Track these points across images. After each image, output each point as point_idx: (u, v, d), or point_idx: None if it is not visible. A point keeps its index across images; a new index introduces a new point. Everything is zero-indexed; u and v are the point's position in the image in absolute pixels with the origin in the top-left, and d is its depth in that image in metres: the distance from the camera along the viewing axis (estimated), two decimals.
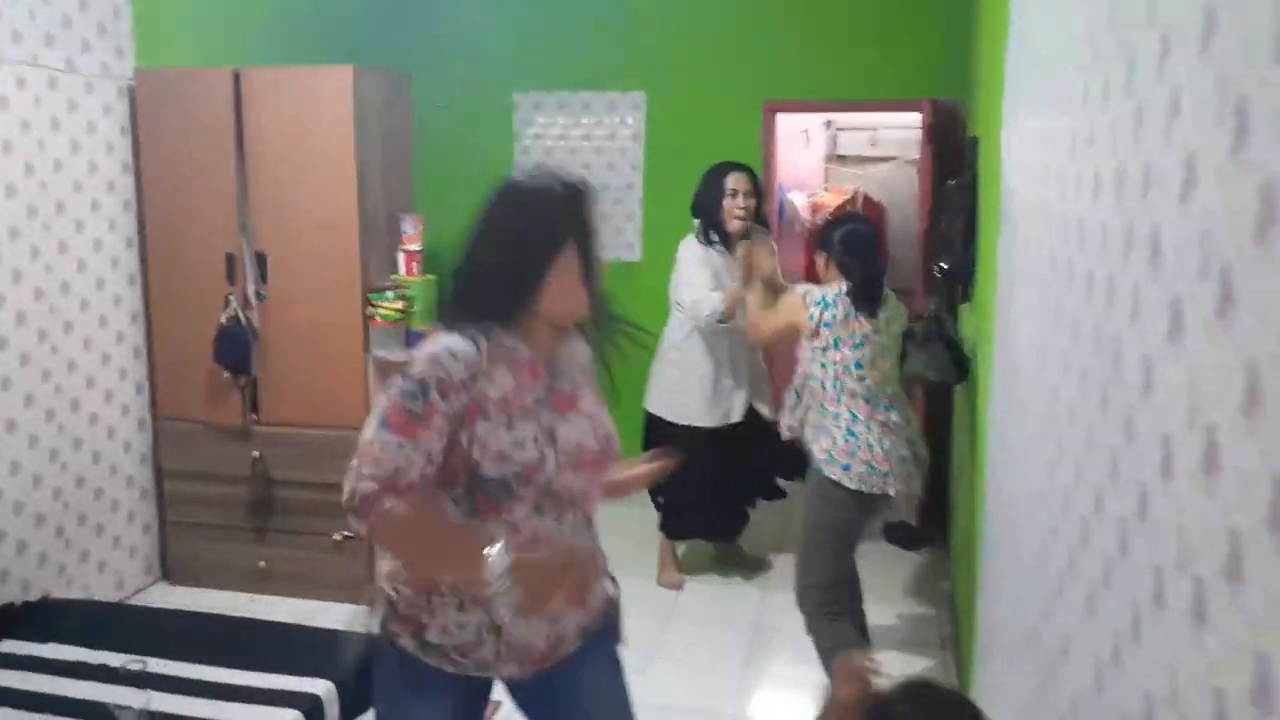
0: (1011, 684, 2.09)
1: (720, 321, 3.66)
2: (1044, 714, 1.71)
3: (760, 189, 3.81)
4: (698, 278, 3.72)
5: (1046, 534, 1.77)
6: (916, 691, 1.44)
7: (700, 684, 3.39)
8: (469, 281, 1.77)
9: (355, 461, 1.67)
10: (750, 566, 4.15)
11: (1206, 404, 0.93)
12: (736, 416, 3.86)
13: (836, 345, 3.02)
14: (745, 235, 3.71)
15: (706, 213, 3.77)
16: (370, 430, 1.68)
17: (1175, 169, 1.04)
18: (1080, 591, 1.46)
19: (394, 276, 3.85)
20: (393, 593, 1.82)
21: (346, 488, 1.66)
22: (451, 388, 1.64)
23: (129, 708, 2.65)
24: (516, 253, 1.71)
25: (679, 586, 4.01)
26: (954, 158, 4.47)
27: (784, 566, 3.86)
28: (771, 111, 5.43)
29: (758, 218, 3.80)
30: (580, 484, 1.78)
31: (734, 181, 3.70)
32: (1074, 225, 1.64)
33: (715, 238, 3.78)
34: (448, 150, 5.69)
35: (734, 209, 3.69)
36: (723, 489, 3.92)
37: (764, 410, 3.96)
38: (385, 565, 1.89)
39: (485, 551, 1.58)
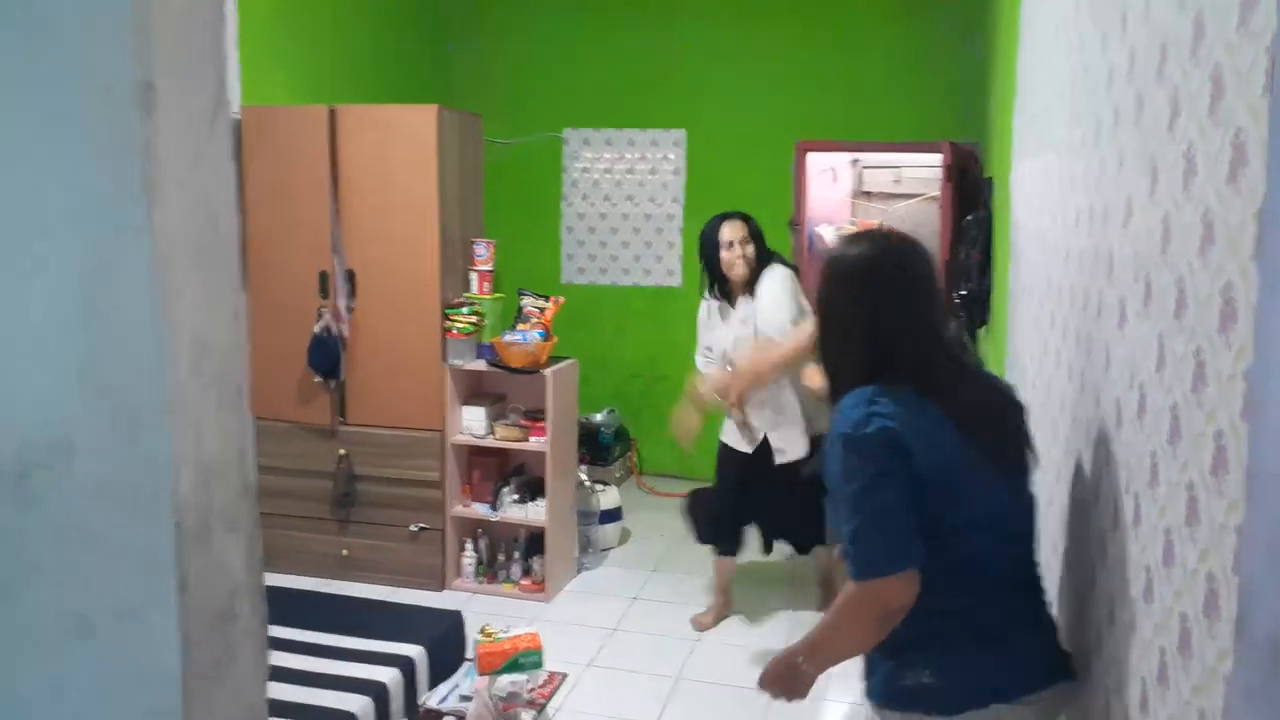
0: None
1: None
2: None
3: (754, 231, 3.73)
4: (700, 332, 3.97)
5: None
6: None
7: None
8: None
9: None
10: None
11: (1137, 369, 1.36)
12: (749, 448, 3.85)
13: None
14: (751, 281, 3.72)
15: (708, 266, 3.79)
16: None
17: (1120, 204, 1.47)
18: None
19: (467, 294, 4.30)
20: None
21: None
22: None
23: None
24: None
25: (702, 628, 3.97)
26: (971, 195, 4.90)
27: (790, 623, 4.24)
28: (803, 150, 5.89)
29: (761, 259, 3.73)
30: None
31: (727, 232, 3.68)
32: (1060, 250, 2.07)
33: (716, 292, 3.84)
34: (500, 182, 6.18)
35: (732, 260, 3.67)
36: (739, 507, 3.95)
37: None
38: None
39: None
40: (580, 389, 6.07)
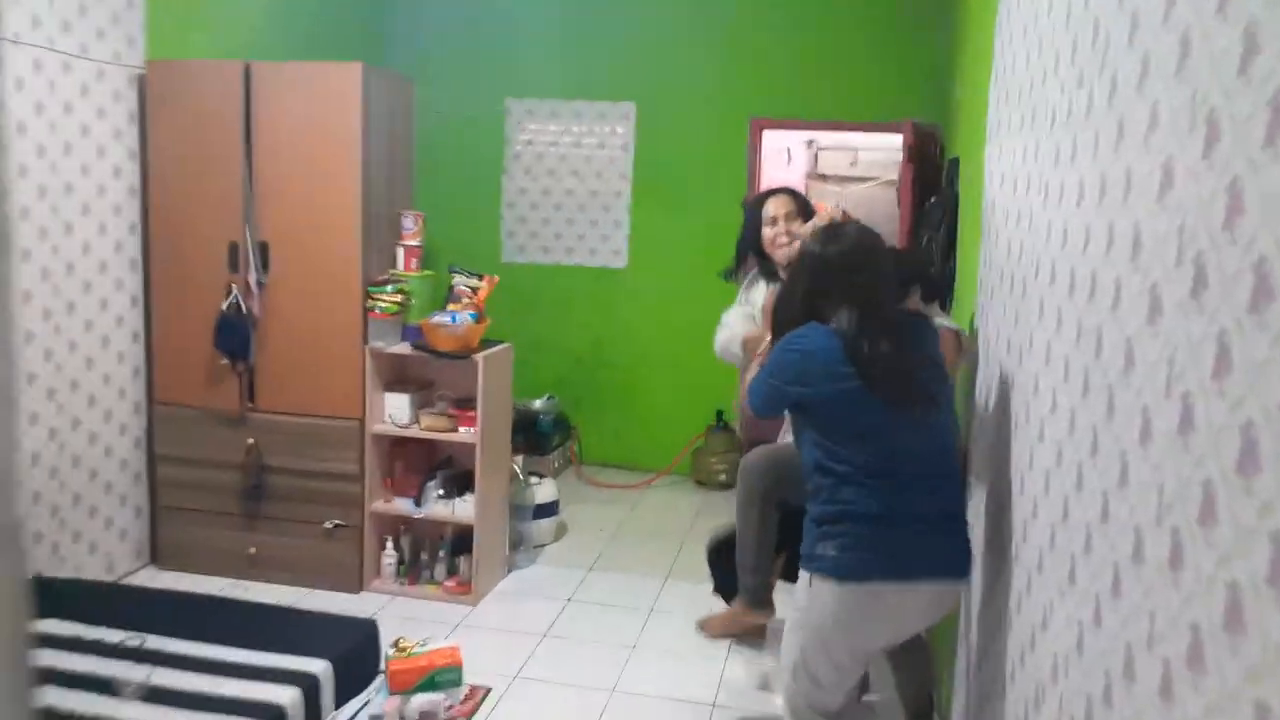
0: (990, 670, 2.24)
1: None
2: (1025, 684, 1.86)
3: (807, 208, 3.15)
4: (730, 317, 3.21)
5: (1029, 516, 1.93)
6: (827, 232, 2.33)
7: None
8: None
9: None
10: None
11: (1182, 372, 1.08)
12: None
13: None
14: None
15: (751, 248, 3.19)
16: None
17: (1151, 172, 1.20)
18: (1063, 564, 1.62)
19: (393, 271, 3.95)
20: None
21: None
22: None
23: (131, 682, 2.70)
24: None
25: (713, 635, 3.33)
26: (932, 178, 4.67)
27: None
28: (759, 127, 5.62)
29: None
30: None
31: (773, 207, 3.13)
32: (1056, 229, 1.80)
33: (747, 275, 3.25)
34: (438, 153, 5.81)
35: (777, 237, 3.08)
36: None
37: None
38: None
39: None
40: (519, 374, 5.74)
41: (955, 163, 3.90)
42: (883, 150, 6.34)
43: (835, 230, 2.35)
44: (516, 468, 4.39)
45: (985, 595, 2.31)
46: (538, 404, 5.59)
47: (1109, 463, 1.35)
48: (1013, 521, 2.06)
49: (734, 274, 3.26)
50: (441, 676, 2.93)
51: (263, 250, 3.88)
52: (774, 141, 6.39)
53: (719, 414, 5.62)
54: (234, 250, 3.87)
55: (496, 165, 5.86)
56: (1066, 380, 1.67)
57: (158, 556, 4.14)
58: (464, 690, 3.04)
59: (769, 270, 3.17)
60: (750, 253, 3.21)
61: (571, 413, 5.84)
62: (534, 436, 5.42)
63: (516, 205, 5.87)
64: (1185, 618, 1.01)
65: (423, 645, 3.00)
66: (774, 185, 3.30)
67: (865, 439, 2.17)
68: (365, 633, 3.21)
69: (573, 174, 5.80)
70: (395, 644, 3.02)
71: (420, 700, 2.83)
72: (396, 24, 5.76)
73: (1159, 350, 1.16)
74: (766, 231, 3.13)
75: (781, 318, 2.34)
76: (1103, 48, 1.55)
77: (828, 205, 3.12)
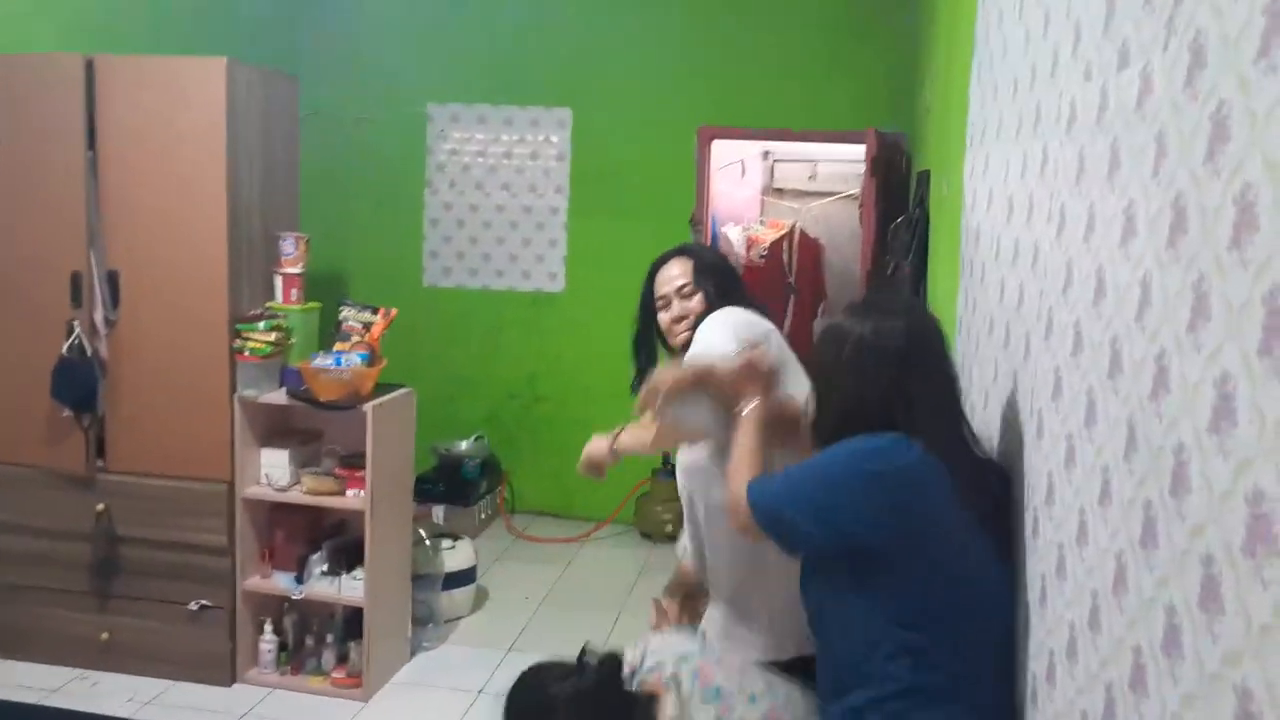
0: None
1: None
2: None
3: (717, 270, 2.18)
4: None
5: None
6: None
7: None
8: None
9: None
10: None
11: None
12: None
13: None
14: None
15: (646, 343, 2.24)
16: None
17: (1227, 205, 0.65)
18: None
19: (269, 304, 3.34)
20: None
21: None
22: None
23: None
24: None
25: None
26: (900, 193, 4.16)
27: None
28: (707, 137, 5.08)
29: (721, 295, 2.12)
30: None
31: (662, 282, 2.17)
32: (1082, 274, 1.25)
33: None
34: (350, 164, 5.21)
35: (672, 323, 2.14)
36: None
37: None
38: None
39: None
40: (444, 411, 5.16)
41: (925, 176, 3.38)
42: (844, 162, 5.83)
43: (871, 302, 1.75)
44: (423, 531, 3.79)
45: None
46: (464, 445, 4.99)
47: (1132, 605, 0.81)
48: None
49: (636, 383, 2.09)
50: None
51: (111, 281, 3.26)
52: (727, 153, 5.86)
53: (665, 458, 5.04)
54: (77, 281, 3.24)
55: (418, 178, 5.26)
56: (1103, 503, 1.12)
57: None
58: None
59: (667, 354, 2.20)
60: (644, 348, 2.22)
61: (503, 454, 5.24)
62: (458, 484, 4.82)
63: (441, 222, 5.28)
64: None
65: None
66: (673, 250, 2.22)
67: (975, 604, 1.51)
68: None
69: (503, 187, 5.22)
70: None
71: None
72: (297, 18, 5.15)
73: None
74: (661, 316, 2.16)
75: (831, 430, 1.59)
76: (1160, 7, 1.01)
77: (742, 339, 1.93)
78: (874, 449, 1.49)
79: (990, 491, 1.58)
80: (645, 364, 2.19)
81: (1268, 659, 0.72)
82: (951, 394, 1.60)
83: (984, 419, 1.88)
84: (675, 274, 2.14)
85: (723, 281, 2.14)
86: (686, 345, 2.06)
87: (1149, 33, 1.05)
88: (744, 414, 1.78)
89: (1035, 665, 1.41)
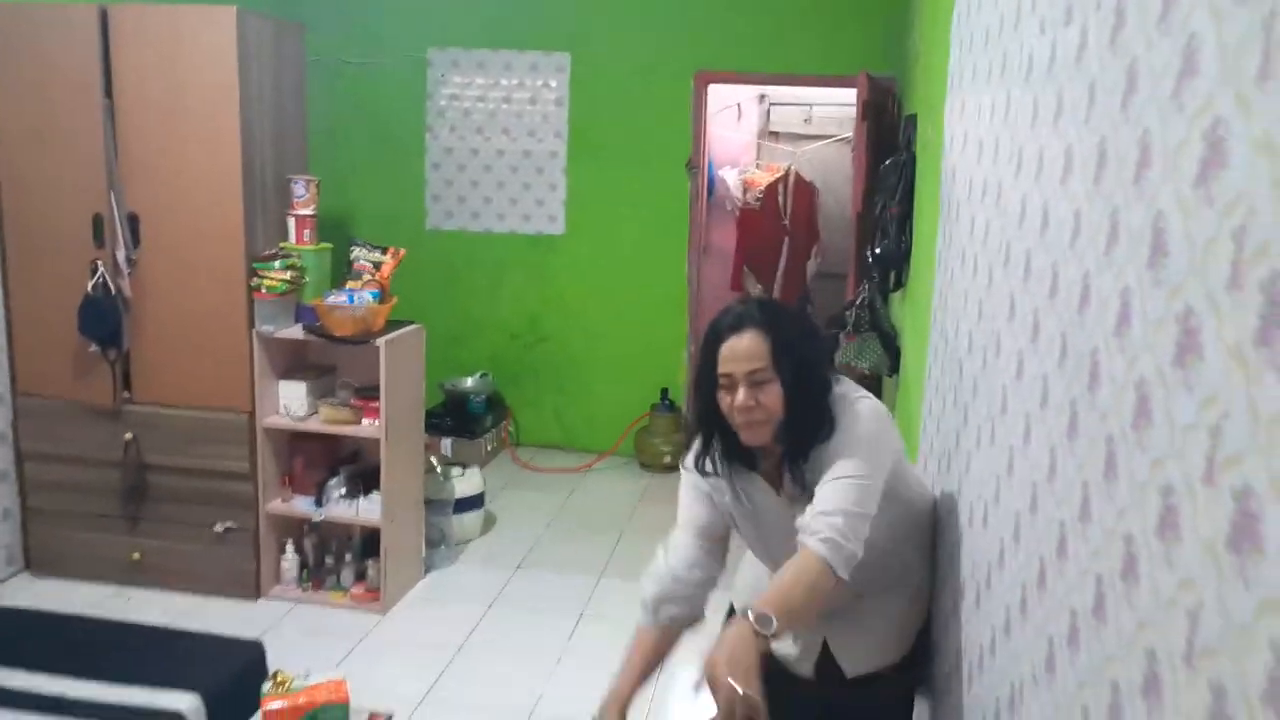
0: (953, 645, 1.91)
1: None
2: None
3: (786, 340, 1.68)
4: (681, 516, 1.86)
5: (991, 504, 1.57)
6: None
7: None
8: None
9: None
10: None
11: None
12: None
13: None
14: (797, 438, 1.70)
15: (706, 428, 1.80)
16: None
17: (1196, 140, 0.82)
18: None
19: (283, 244, 3.50)
20: None
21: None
22: None
23: None
24: None
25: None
26: (890, 137, 4.28)
27: None
28: (704, 82, 5.18)
29: (797, 384, 1.68)
30: None
31: (729, 357, 1.69)
32: (1035, 211, 1.43)
33: (711, 467, 1.80)
34: (351, 109, 5.31)
35: (738, 412, 1.69)
36: None
37: None
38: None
39: None
40: (449, 352, 5.34)
41: (912, 120, 3.51)
42: (838, 106, 5.94)
43: None
44: (434, 459, 3.99)
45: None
46: (469, 383, 5.18)
47: (1070, 492, 0.99)
48: (974, 551, 1.71)
49: (704, 461, 1.80)
50: (325, 715, 2.55)
51: (132, 222, 3.41)
52: (724, 96, 5.96)
53: (664, 392, 5.24)
54: (98, 223, 3.39)
55: (419, 123, 5.37)
56: (1044, 406, 1.30)
57: (31, 563, 3.71)
58: None
59: (739, 454, 1.78)
60: (711, 429, 1.77)
61: (506, 392, 5.43)
62: (465, 419, 5.02)
63: (442, 167, 5.40)
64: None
65: (304, 678, 2.61)
66: (740, 301, 1.79)
67: None
68: (248, 658, 2.82)
69: (503, 132, 5.33)
70: (274, 677, 2.63)
71: None
72: None
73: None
74: (722, 396, 1.72)
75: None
76: None
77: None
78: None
79: None
80: (710, 438, 1.79)
81: (1223, 586, 0.74)
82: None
83: (955, 346, 2.06)
84: (747, 351, 1.67)
85: (803, 360, 1.69)
86: (756, 441, 1.71)
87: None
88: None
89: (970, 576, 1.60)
